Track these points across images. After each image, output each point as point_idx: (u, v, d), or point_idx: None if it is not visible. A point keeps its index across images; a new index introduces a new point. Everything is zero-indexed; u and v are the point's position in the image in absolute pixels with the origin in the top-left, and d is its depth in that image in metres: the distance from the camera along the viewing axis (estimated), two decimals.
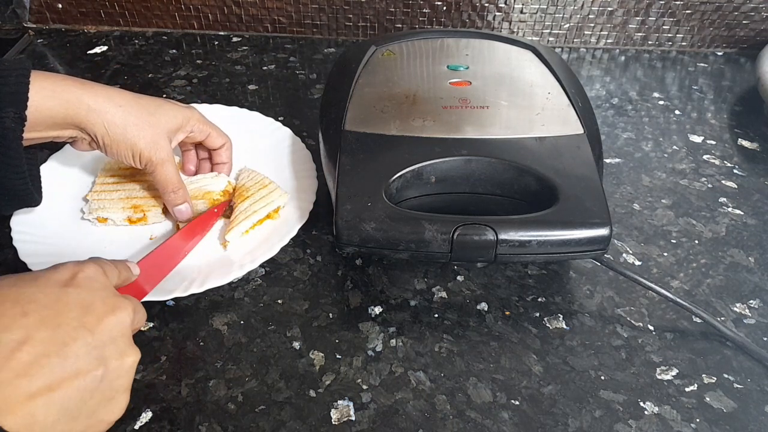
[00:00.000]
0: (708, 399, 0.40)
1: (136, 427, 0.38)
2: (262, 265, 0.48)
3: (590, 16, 0.77)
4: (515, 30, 0.79)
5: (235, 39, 0.80)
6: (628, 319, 0.45)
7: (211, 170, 0.54)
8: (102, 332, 0.28)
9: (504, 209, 0.46)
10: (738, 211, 0.55)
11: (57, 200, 0.51)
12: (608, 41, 0.80)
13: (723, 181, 0.59)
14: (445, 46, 0.59)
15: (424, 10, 0.77)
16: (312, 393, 0.40)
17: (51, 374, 0.25)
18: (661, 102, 0.70)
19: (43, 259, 0.45)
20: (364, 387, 0.41)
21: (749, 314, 0.46)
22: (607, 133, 0.65)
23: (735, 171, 0.60)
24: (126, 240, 0.49)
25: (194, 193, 0.51)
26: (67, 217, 0.51)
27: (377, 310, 0.46)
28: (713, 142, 0.64)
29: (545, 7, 0.76)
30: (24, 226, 0.48)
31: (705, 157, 0.62)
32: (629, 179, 0.58)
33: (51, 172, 0.53)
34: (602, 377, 0.41)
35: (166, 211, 0.51)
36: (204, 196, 0.51)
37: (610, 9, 0.76)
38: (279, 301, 0.46)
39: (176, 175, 0.47)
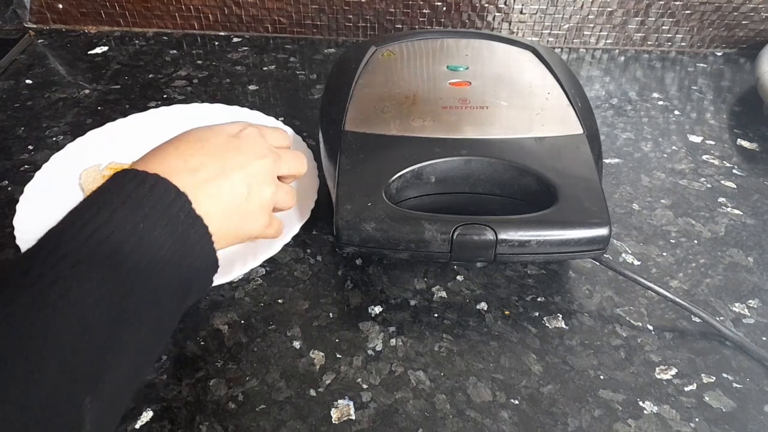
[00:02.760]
0: (707, 398, 0.41)
1: (137, 426, 0.38)
2: (262, 265, 0.48)
3: (590, 17, 0.77)
4: (515, 30, 0.79)
5: (235, 39, 0.80)
6: (628, 318, 0.46)
7: None
8: (250, 169, 0.40)
9: (504, 209, 0.46)
10: (737, 211, 0.55)
11: (59, 199, 0.51)
12: (608, 42, 0.80)
13: (722, 181, 0.59)
14: (445, 46, 0.59)
15: (424, 11, 0.77)
16: (312, 392, 0.40)
17: (217, 188, 0.37)
18: (661, 102, 0.70)
19: None
20: (365, 386, 0.41)
21: (748, 314, 0.46)
22: (607, 133, 0.65)
23: (734, 171, 0.60)
24: None
25: None
26: None
27: (377, 309, 0.46)
28: (712, 143, 0.64)
29: (545, 7, 0.76)
30: (27, 225, 0.48)
31: (704, 157, 0.62)
32: (628, 179, 0.59)
33: (53, 169, 0.53)
34: (601, 377, 0.42)
35: None
36: None
37: (609, 9, 0.76)
38: (279, 301, 0.46)
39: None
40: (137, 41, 0.79)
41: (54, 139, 0.62)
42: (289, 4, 0.77)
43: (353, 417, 0.39)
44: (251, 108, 0.62)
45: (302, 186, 0.53)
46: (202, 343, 0.43)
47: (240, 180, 0.39)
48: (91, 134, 0.58)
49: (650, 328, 0.45)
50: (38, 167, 0.54)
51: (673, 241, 0.52)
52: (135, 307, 0.31)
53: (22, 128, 0.63)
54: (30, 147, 0.61)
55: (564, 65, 0.58)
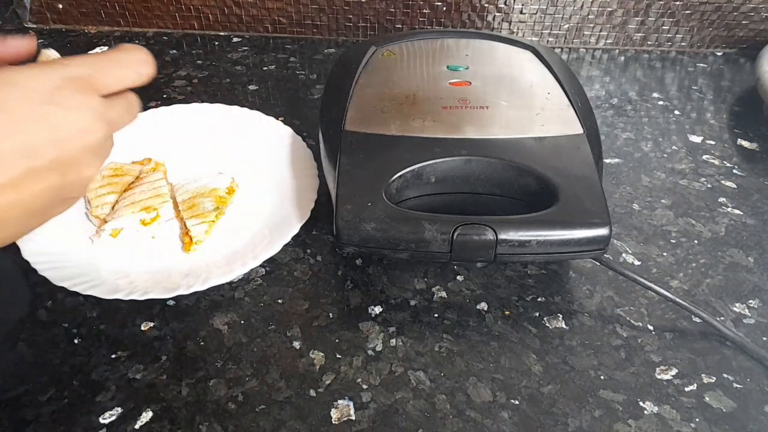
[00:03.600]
0: (707, 399, 0.40)
1: (137, 426, 0.38)
2: (262, 265, 0.48)
3: (590, 17, 0.77)
4: (515, 30, 0.79)
5: (235, 39, 0.80)
6: (628, 318, 0.46)
7: None
8: (68, 152, 0.29)
9: (504, 209, 0.46)
10: (737, 211, 0.55)
11: None
12: (608, 41, 0.80)
13: (722, 181, 0.59)
14: (445, 46, 0.59)
15: (424, 11, 0.77)
16: (312, 392, 0.40)
17: (13, 181, 0.27)
18: (661, 102, 0.70)
19: (47, 258, 0.46)
20: (364, 386, 0.41)
21: (748, 314, 0.46)
22: (607, 133, 0.65)
23: (734, 171, 0.60)
24: (128, 239, 0.50)
25: (200, 191, 0.52)
26: (70, 215, 0.51)
27: (377, 309, 0.46)
28: (713, 142, 0.64)
29: (545, 7, 0.76)
30: None
31: (704, 157, 0.62)
32: (629, 179, 0.59)
33: None
34: (602, 377, 0.42)
35: (175, 206, 0.52)
36: (210, 194, 0.51)
37: (609, 9, 0.76)
38: (279, 301, 0.46)
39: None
40: (137, 41, 0.79)
41: None
42: (289, 4, 0.77)
43: (353, 417, 0.39)
44: (251, 108, 0.62)
45: (302, 186, 0.53)
46: (202, 343, 0.43)
47: (50, 168, 0.29)
48: None
49: (650, 328, 0.45)
50: None
51: (673, 241, 0.52)
52: None
53: None
54: None
55: (564, 65, 0.58)
